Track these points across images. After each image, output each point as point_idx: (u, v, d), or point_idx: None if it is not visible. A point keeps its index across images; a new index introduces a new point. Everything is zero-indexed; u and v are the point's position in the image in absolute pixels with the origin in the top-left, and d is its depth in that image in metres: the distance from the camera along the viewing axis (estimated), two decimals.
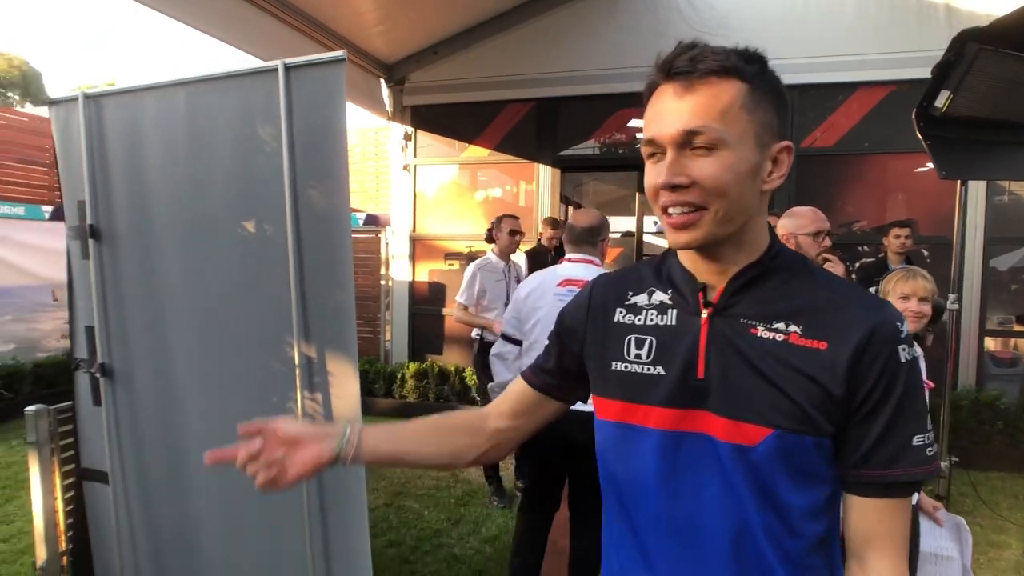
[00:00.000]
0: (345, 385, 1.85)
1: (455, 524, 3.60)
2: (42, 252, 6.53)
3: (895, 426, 0.81)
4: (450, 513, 3.73)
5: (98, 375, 2.12)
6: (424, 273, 6.45)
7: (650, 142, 0.82)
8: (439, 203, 6.54)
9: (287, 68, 1.74)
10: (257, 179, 1.84)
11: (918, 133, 2.07)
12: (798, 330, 0.82)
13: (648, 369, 0.89)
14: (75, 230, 2.10)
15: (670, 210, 0.81)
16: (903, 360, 0.81)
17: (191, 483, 2.12)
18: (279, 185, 1.79)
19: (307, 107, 1.77)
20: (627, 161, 6.06)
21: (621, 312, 0.94)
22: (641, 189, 9.25)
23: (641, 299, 0.94)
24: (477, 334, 4.15)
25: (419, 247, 6.39)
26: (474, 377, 5.15)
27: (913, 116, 2.08)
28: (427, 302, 6.38)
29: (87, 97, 2.02)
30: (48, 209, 6.65)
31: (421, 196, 6.48)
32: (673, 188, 0.79)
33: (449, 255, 6.36)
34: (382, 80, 6.27)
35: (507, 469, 4.22)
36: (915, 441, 0.81)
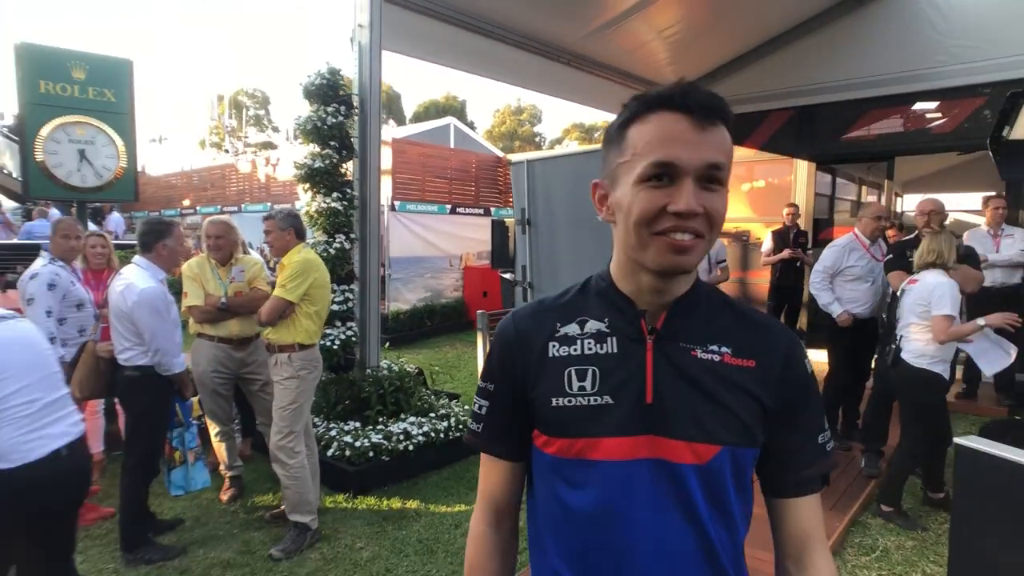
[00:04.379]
0: None
1: None
2: (445, 235, 10.01)
3: (812, 428, 0.91)
4: None
5: (526, 288, 4.61)
6: None
7: (664, 164, 0.78)
8: None
9: None
10: None
11: (990, 152, 3.22)
12: (729, 351, 0.87)
13: (595, 400, 0.86)
14: (519, 222, 4.61)
15: (677, 235, 0.79)
16: (809, 371, 0.91)
17: None
18: None
19: None
20: (875, 154, 6.85)
21: (554, 346, 0.90)
22: (891, 176, 9.35)
23: (571, 329, 0.91)
24: None
25: None
26: None
27: (987, 142, 3.22)
28: None
29: (528, 161, 4.48)
30: (448, 206, 10.08)
31: None
32: (691, 215, 0.78)
33: None
34: None
35: None
36: (820, 439, 0.91)
